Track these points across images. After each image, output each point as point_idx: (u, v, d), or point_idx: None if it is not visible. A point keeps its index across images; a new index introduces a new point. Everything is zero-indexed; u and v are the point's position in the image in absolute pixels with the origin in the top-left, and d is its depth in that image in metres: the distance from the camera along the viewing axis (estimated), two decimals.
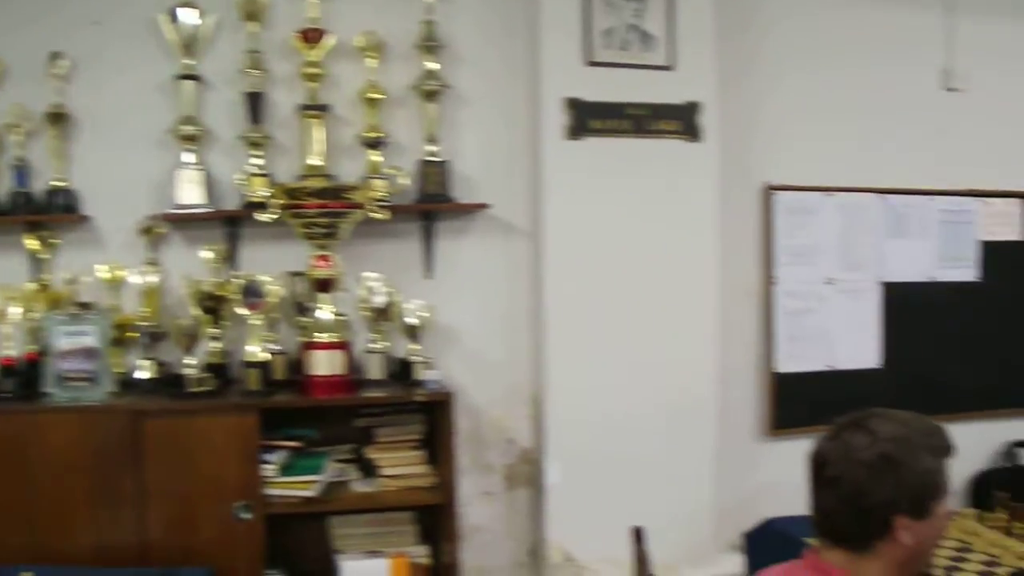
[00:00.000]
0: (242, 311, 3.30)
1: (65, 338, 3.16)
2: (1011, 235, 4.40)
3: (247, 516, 3.10)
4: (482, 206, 3.66)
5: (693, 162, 3.76)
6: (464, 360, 3.75)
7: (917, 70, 4.26)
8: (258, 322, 3.31)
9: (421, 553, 3.31)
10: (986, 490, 3.96)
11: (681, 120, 3.73)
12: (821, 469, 1.68)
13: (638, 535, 2.73)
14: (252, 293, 3.30)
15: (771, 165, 4.06)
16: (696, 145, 3.74)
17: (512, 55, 3.75)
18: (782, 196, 4.06)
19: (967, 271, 4.34)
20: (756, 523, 3.32)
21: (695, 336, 3.79)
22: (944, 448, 1.66)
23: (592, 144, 3.66)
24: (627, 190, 3.70)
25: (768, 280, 4.07)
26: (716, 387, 3.83)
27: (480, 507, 3.79)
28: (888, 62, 4.20)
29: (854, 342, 4.16)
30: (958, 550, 2.82)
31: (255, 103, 3.49)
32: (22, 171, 3.37)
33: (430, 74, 3.58)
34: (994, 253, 4.36)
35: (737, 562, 3.43)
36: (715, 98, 3.77)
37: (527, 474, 3.84)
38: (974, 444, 4.33)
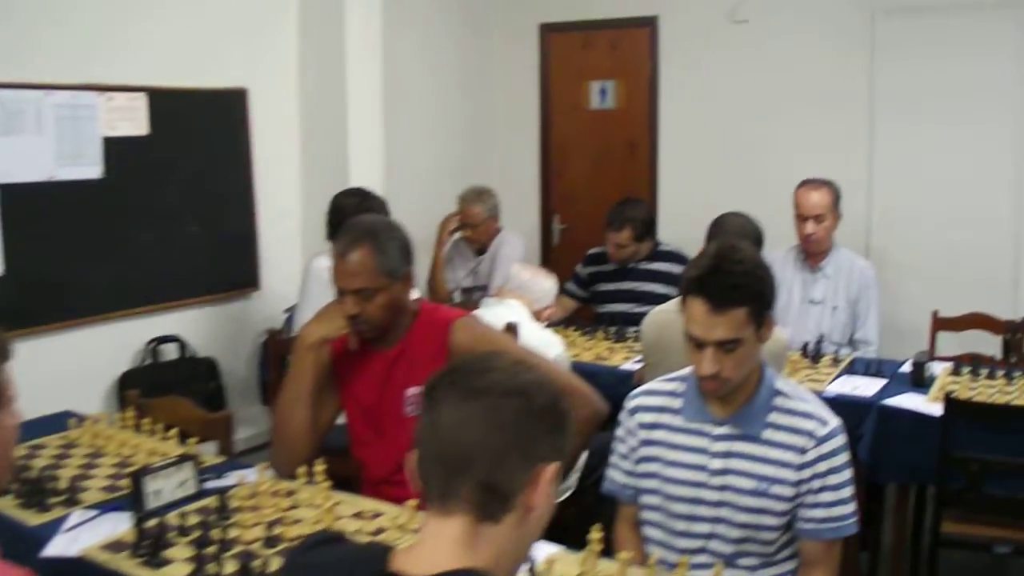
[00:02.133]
0: None
1: None
2: (136, 130, 4.38)
3: None
4: None
5: None
6: None
7: None
8: None
9: None
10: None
11: None
12: None
13: None
14: None
15: None
16: None
17: None
18: None
19: (91, 168, 4.22)
20: None
21: None
22: (1, 351, 1.52)
23: None
24: None
25: None
26: None
27: None
28: None
29: None
30: (88, 456, 2.75)
31: None
32: None
33: None
34: (118, 148, 4.30)
35: None
36: None
37: None
38: (118, 345, 4.37)
